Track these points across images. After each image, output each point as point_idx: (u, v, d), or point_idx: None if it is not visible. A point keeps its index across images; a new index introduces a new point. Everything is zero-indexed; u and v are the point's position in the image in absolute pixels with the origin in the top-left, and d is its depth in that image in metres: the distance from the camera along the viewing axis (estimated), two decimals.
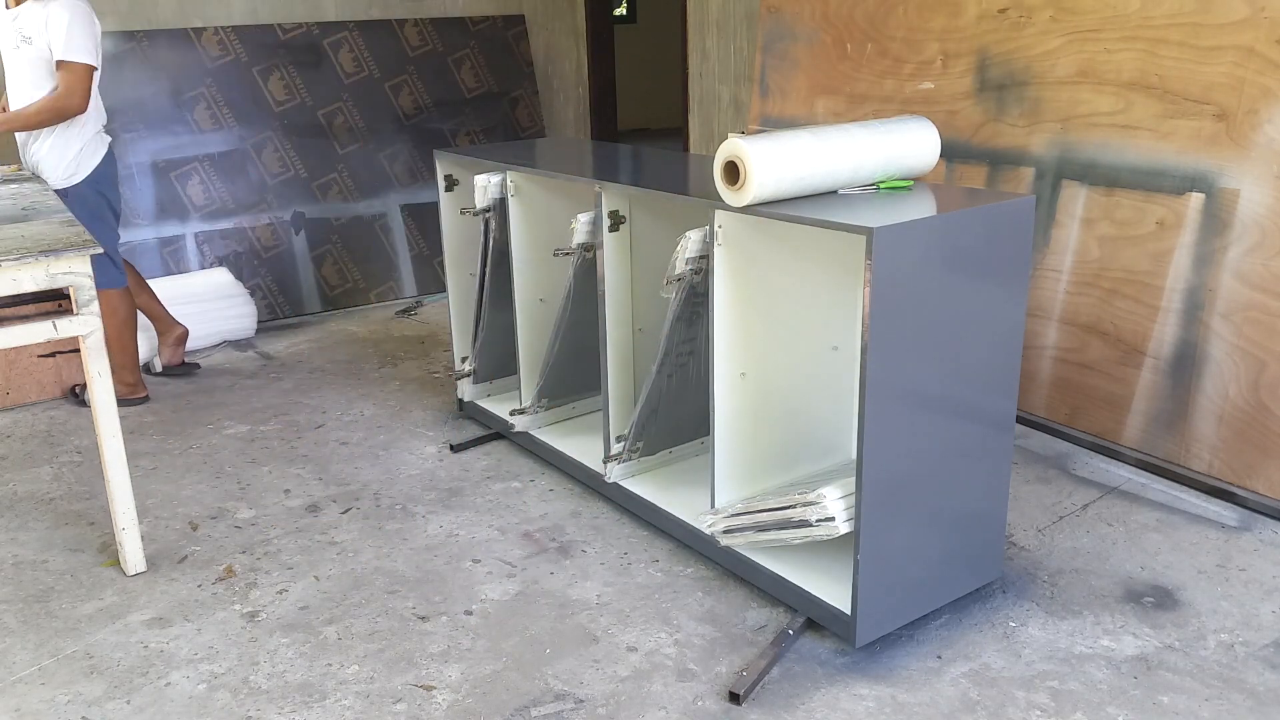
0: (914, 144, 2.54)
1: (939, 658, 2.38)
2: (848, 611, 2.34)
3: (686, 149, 5.78)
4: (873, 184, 2.50)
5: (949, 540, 2.46)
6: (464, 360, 3.78)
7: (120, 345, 3.89)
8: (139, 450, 3.62)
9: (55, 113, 3.61)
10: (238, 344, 4.83)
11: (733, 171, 2.32)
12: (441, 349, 4.65)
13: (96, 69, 3.65)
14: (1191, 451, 3.16)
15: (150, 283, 4.89)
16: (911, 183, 2.56)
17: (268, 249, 5.26)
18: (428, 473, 3.42)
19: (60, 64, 3.58)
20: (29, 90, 3.66)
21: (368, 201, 5.52)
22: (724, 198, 2.36)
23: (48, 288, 2.59)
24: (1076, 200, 3.44)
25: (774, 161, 2.28)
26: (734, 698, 2.24)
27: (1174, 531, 2.91)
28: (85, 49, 3.58)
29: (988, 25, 3.72)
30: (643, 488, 3.03)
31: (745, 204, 2.32)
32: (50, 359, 4.11)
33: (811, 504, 2.41)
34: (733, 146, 2.30)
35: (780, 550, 2.60)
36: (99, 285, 3.41)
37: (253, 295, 5.05)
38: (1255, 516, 2.96)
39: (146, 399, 4.08)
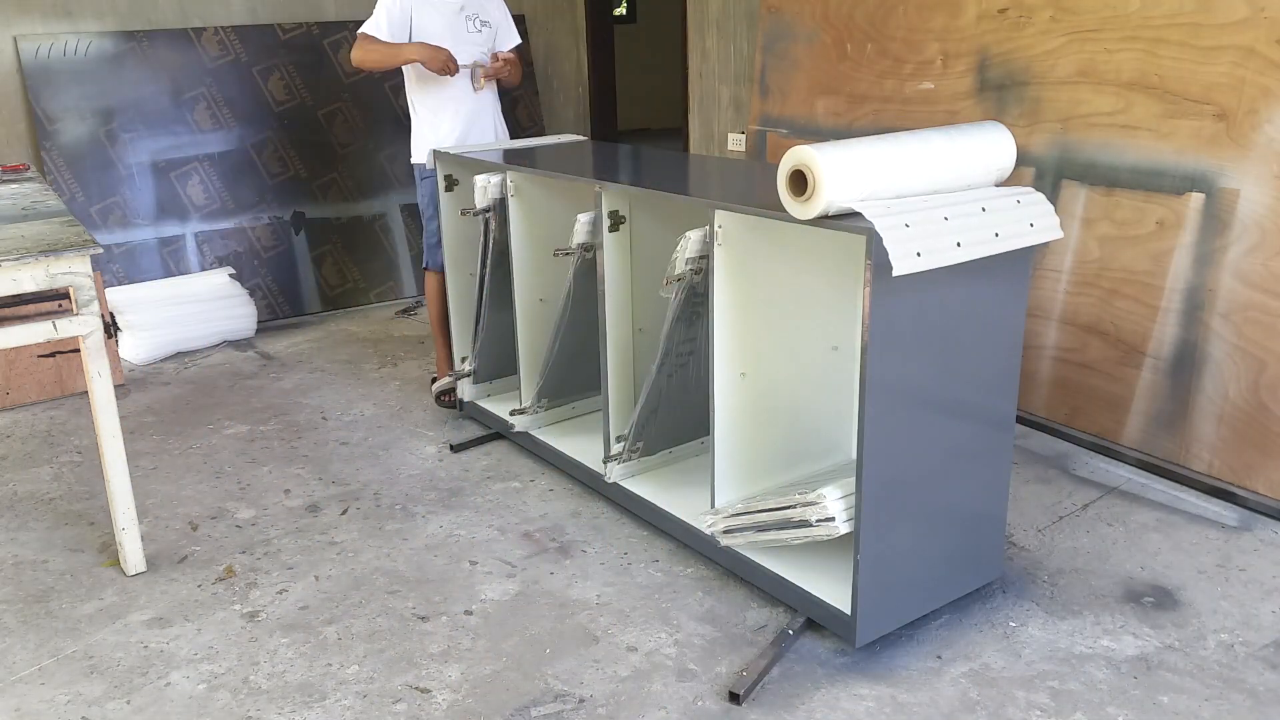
0: (991, 153, 2.36)
1: (939, 658, 2.38)
2: (848, 611, 2.34)
3: (686, 149, 5.77)
4: None
5: (949, 540, 2.46)
6: (464, 360, 3.78)
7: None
8: (139, 450, 3.62)
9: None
10: (238, 344, 4.83)
11: (800, 181, 2.16)
12: None
13: (374, 36, 3.74)
14: (1191, 451, 3.16)
15: (150, 283, 4.91)
16: None
17: (268, 249, 5.26)
18: (428, 473, 3.42)
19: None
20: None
21: (368, 201, 5.52)
22: (788, 209, 2.21)
23: (48, 288, 2.59)
24: (1076, 200, 3.44)
25: (846, 172, 2.13)
26: (734, 698, 2.24)
27: (1174, 531, 2.91)
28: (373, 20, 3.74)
29: (988, 25, 3.72)
30: (643, 488, 3.03)
31: (815, 215, 2.16)
32: (50, 359, 4.12)
33: (811, 504, 2.41)
34: (801, 155, 2.14)
35: (780, 550, 2.60)
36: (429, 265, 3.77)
37: (253, 295, 5.05)
38: (1255, 516, 2.96)
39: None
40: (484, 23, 3.85)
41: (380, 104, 5.60)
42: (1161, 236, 3.21)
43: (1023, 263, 2.39)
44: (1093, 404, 3.43)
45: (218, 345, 4.80)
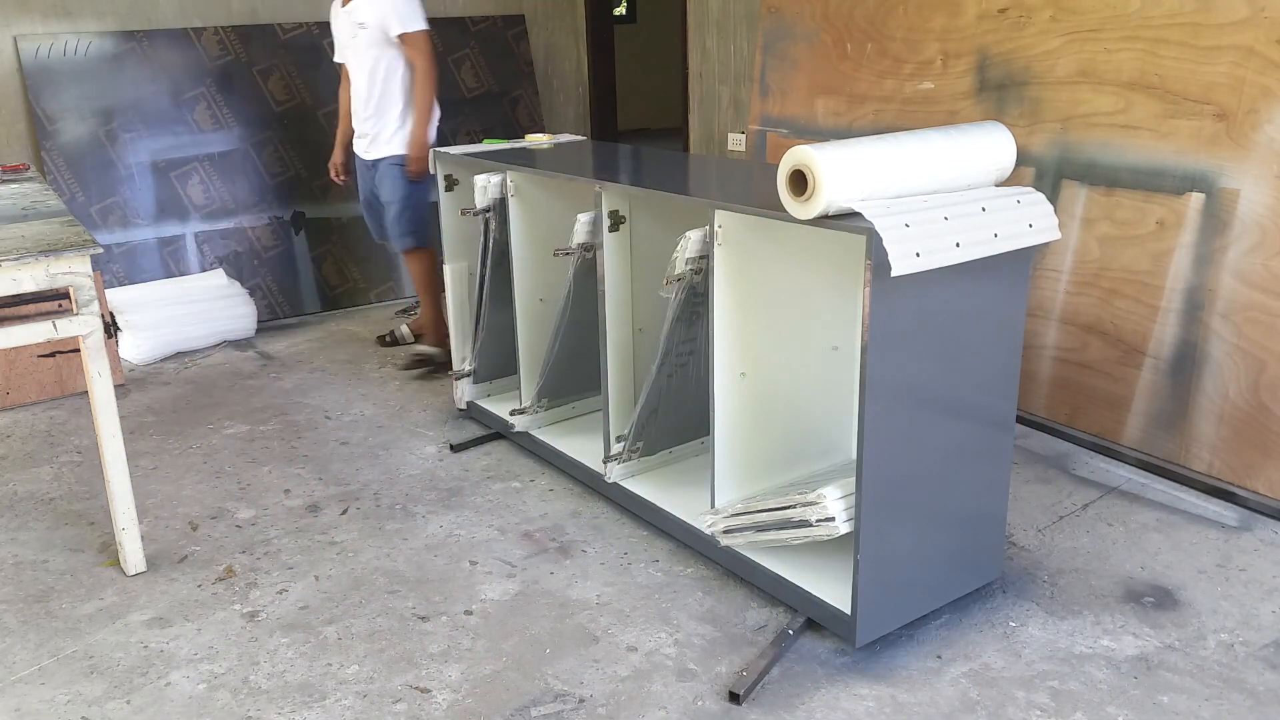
0: (991, 153, 2.35)
1: (939, 658, 2.38)
2: (848, 611, 2.34)
3: (686, 149, 5.78)
4: None
5: (949, 540, 2.46)
6: (464, 360, 3.78)
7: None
8: (139, 450, 3.62)
9: (430, 83, 4.02)
10: (238, 344, 4.83)
11: (800, 181, 2.16)
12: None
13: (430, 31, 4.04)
14: (1191, 451, 3.16)
15: (150, 284, 4.91)
16: None
17: (268, 249, 5.26)
18: (428, 473, 3.42)
19: (402, 37, 3.98)
20: (367, 69, 4.08)
21: None
22: (788, 209, 2.21)
23: (48, 288, 2.59)
24: (1076, 200, 3.45)
25: (846, 172, 2.12)
26: (734, 698, 2.24)
27: (1174, 531, 2.91)
28: (417, 17, 4.00)
29: (988, 25, 3.72)
30: (643, 488, 3.03)
31: (814, 215, 2.15)
32: (50, 359, 4.12)
33: (811, 504, 2.41)
34: (801, 155, 2.13)
35: (780, 550, 2.60)
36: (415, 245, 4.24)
37: (253, 295, 5.05)
38: (1255, 516, 2.96)
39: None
40: (359, 24, 4.00)
41: None
42: (1161, 236, 3.21)
43: (1023, 263, 2.39)
44: (1093, 404, 3.43)
45: (218, 345, 4.80)
